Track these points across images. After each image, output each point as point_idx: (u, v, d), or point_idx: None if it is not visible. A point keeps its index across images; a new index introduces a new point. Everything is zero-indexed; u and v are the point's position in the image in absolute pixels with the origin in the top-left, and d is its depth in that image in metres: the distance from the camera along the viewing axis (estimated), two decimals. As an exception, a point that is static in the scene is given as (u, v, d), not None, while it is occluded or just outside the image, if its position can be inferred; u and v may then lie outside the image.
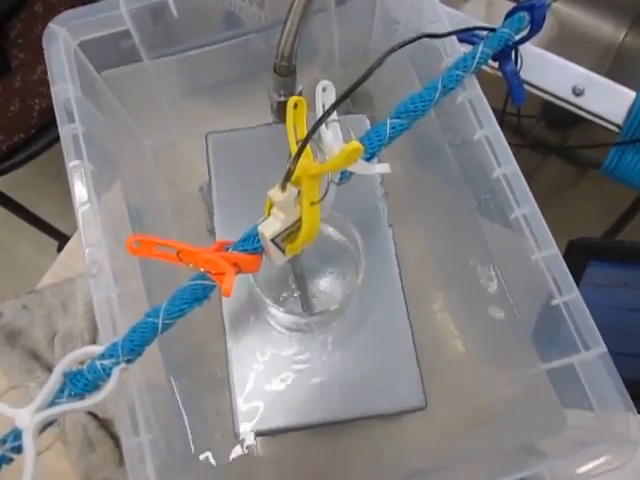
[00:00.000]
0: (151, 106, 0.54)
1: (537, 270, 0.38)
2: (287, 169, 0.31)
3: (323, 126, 0.35)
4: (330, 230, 0.42)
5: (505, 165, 0.38)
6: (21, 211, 1.01)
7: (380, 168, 0.32)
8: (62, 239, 1.08)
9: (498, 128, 0.39)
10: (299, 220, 0.34)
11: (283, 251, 0.35)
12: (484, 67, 0.42)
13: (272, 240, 0.33)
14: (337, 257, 0.43)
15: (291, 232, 0.34)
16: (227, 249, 0.35)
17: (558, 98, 0.58)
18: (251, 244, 0.35)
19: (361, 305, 0.45)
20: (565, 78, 0.57)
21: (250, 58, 0.52)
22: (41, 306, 0.60)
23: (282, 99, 0.50)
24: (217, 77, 0.55)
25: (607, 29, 0.92)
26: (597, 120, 0.57)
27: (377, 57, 0.35)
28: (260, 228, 0.33)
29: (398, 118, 0.38)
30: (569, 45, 0.88)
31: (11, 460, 0.30)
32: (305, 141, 0.30)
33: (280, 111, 0.51)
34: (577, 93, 0.57)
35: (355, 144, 0.29)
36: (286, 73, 0.48)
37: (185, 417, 0.43)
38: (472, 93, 0.40)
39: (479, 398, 0.51)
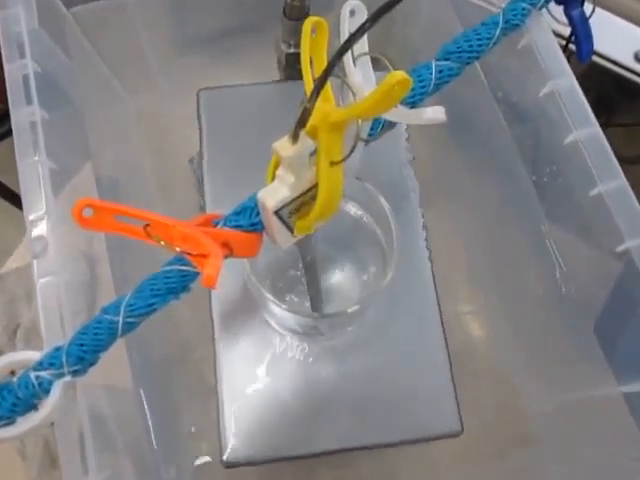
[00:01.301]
0: (135, 58, 0.45)
1: (613, 267, 0.29)
2: (301, 111, 0.22)
3: (350, 64, 0.26)
4: (351, 207, 0.33)
5: (584, 126, 0.29)
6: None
7: (432, 113, 0.23)
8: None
9: (574, 80, 0.30)
10: (314, 187, 0.25)
11: (291, 230, 0.26)
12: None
13: (276, 213, 0.24)
14: (359, 243, 0.34)
15: (303, 203, 0.25)
16: (216, 224, 0.26)
17: (618, 65, 0.49)
18: (248, 218, 0.26)
19: (384, 307, 0.36)
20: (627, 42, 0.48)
21: (255, 2, 0.43)
22: (3, 294, 0.52)
23: (292, 50, 0.41)
24: (216, 26, 0.46)
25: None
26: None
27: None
28: (261, 195, 0.24)
29: (447, 60, 0.28)
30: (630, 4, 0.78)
31: None
32: (327, 71, 0.21)
33: (290, 66, 0.42)
34: (640, 59, 0.48)
35: (401, 74, 0.20)
36: (298, 16, 0.39)
37: (155, 441, 0.34)
38: (539, 35, 0.31)
39: (521, 418, 0.42)
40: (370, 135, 0.27)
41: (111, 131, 0.44)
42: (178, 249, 0.23)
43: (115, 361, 0.32)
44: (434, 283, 0.37)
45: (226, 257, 0.24)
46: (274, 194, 0.24)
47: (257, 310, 0.36)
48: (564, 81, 0.30)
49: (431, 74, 0.28)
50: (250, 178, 0.26)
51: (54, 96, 0.32)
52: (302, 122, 0.22)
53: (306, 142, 0.23)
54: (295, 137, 0.22)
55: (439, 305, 0.36)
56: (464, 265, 0.46)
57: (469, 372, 0.43)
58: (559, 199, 0.32)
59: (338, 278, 0.35)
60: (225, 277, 0.38)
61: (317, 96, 0.21)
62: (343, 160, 0.24)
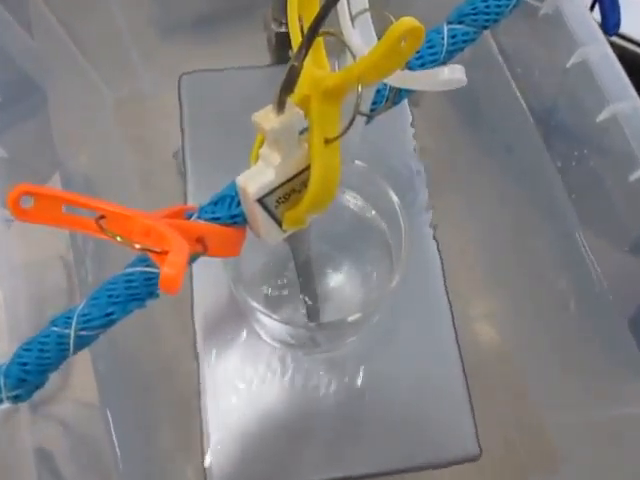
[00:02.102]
0: (112, 43, 0.41)
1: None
2: (287, 70, 0.18)
3: (347, 22, 0.22)
4: (351, 198, 0.28)
5: (620, 99, 0.25)
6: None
7: (450, 72, 0.19)
8: None
9: (608, 47, 0.25)
10: (305, 170, 0.20)
11: (279, 222, 0.22)
12: None
13: (260, 201, 0.20)
14: (361, 241, 0.30)
15: (292, 190, 0.21)
16: (189, 217, 0.22)
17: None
18: (227, 209, 0.21)
19: (390, 314, 0.31)
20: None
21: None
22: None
23: (283, 29, 0.37)
24: (201, 8, 0.42)
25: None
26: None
27: None
28: (240, 180, 0.20)
29: (460, 24, 0.24)
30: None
31: None
32: (317, 21, 0.17)
33: (281, 47, 0.38)
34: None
35: (410, 21, 0.16)
36: (290, -11, 0.34)
37: (122, 467, 0.30)
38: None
39: (544, 438, 0.38)
40: (372, 109, 0.22)
41: (84, 124, 0.39)
42: (138, 245, 0.18)
43: (80, 382, 0.27)
44: (445, 288, 0.33)
45: (198, 255, 0.20)
46: (257, 178, 0.20)
47: (245, 320, 0.32)
48: (596, 48, 0.26)
49: (442, 39, 0.24)
50: (236, 170, 0.22)
51: (9, 78, 0.28)
52: (289, 85, 0.18)
53: (294, 111, 0.19)
54: (281, 105, 0.18)
55: (452, 314, 0.32)
56: (476, 266, 0.42)
57: (483, 386, 0.39)
58: (591, 187, 0.28)
59: (337, 282, 0.31)
60: (208, 283, 0.33)
61: (307, 50, 0.17)
62: (340, 136, 0.20)
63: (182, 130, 0.35)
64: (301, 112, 0.19)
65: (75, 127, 0.38)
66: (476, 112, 0.37)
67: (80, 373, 0.35)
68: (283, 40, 0.37)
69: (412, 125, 0.34)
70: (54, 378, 0.21)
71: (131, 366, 0.34)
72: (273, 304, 0.30)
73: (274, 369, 0.31)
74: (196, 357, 0.33)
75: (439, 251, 0.34)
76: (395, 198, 0.25)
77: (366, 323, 0.30)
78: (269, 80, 0.37)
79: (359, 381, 0.30)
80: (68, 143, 0.36)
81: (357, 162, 0.25)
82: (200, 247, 0.20)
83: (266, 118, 0.18)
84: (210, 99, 0.36)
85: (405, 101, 0.27)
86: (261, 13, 0.38)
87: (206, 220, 0.21)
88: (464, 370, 0.32)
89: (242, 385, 0.32)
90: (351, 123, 0.19)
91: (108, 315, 0.20)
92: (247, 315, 0.31)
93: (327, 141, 0.20)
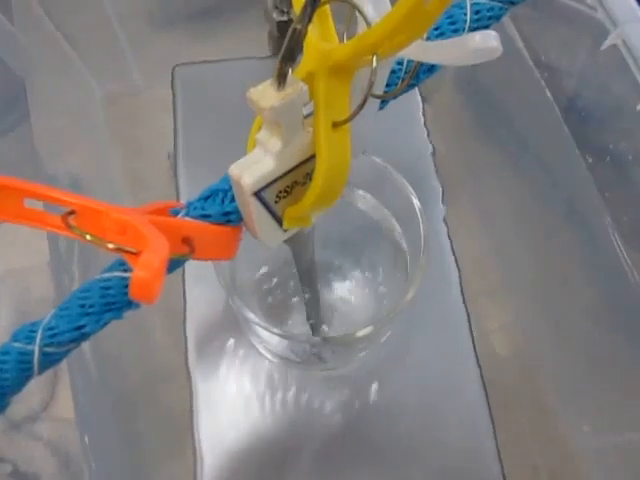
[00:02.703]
0: (102, 35, 0.38)
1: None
2: (289, 36, 0.15)
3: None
4: (362, 196, 0.25)
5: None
6: None
7: (481, 40, 0.16)
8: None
9: (650, 27, 0.23)
10: (311, 158, 0.18)
11: (279, 221, 0.19)
12: None
13: (257, 195, 0.17)
14: (372, 245, 0.27)
15: (294, 182, 0.18)
16: (175, 214, 0.19)
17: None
18: (219, 205, 0.18)
19: (404, 327, 0.28)
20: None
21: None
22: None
23: (284, 18, 0.34)
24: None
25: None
26: None
27: None
28: (234, 169, 0.17)
29: (486, -2, 0.21)
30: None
31: None
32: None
33: (282, 38, 0.35)
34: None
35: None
36: (292, -27, 0.32)
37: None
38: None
39: (576, 466, 0.34)
40: (386, 91, 0.20)
41: (72, 121, 0.37)
42: (111, 245, 0.15)
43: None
44: (464, 300, 0.30)
45: (184, 258, 0.17)
46: (253, 167, 0.17)
47: (242, 333, 0.29)
48: (637, 28, 0.23)
49: (465, 15, 0.21)
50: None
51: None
52: (291, 53, 0.15)
53: (297, 86, 0.16)
54: (281, 78, 0.15)
55: (471, 328, 0.29)
56: (492, 273, 0.39)
57: (505, 407, 0.35)
58: (627, 184, 0.25)
59: (345, 291, 0.28)
60: (203, 292, 0.30)
61: (313, 9, 0.14)
62: (350, 119, 0.17)
63: (175, 125, 0.32)
64: (305, 87, 0.16)
65: (60, 125, 0.35)
66: (492, 107, 0.34)
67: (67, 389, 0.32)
68: (285, 30, 0.34)
69: (423, 113, 0.31)
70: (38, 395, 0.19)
71: (118, 382, 0.31)
72: (273, 316, 0.27)
73: (274, 387, 0.28)
74: (188, 373, 0.29)
75: (455, 256, 0.31)
76: (415, 198, 0.22)
77: (377, 338, 0.27)
78: (270, 72, 0.34)
79: (369, 402, 0.27)
80: (52, 142, 0.34)
81: (369, 155, 0.22)
82: (186, 247, 0.17)
83: (264, 95, 0.15)
84: (206, 93, 0.33)
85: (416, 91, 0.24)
86: (261, 1, 0.35)
87: (195, 218, 0.18)
88: (486, 390, 0.28)
89: (239, 404, 0.29)
90: (364, 103, 0.17)
91: (79, 328, 0.17)
92: (244, 328, 0.28)
93: (335, 125, 0.17)
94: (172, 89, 0.34)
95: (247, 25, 0.39)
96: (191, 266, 0.31)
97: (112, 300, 0.18)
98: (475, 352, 0.29)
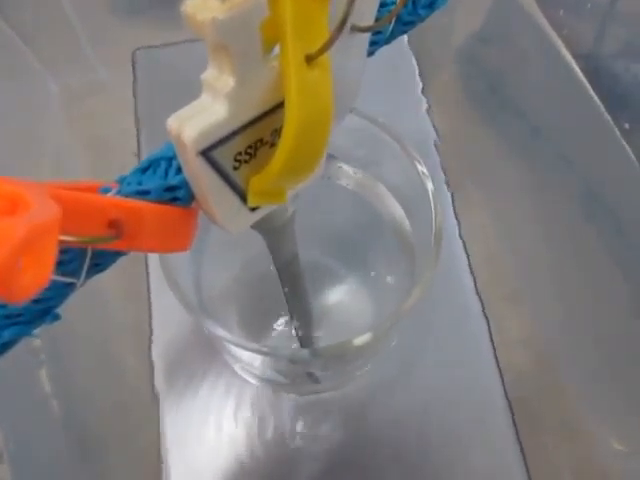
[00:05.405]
0: (56, 24, 0.34)
1: None
2: None
3: None
4: (350, 173, 0.21)
5: None
6: None
7: None
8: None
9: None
10: (279, 106, 0.13)
11: (242, 195, 0.14)
12: None
13: (205, 155, 0.13)
14: (368, 237, 0.22)
15: (259, 140, 0.13)
16: (105, 192, 0.14)
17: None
18: (161, 178, 0.14)
19: (411, 338, 0.23)
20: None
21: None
22: None
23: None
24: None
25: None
26: None
27: None
28: (172, 123, 0.12)
29: None
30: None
31: None
32: None
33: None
34: None
35: None
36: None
37: None
38: None
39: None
40: (377, 18, 0.15)
41: (24, 120, 0.32)
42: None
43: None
44: (482, 306, 0.25)
45: (105, 240, 0.12)
46: (199, 117, 0.12)
47: (216, 352, 0.24)
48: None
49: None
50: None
51: None
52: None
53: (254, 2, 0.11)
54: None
55: (492, 338, 0.24)
56: (506, 275, 0.34)
57: (531, 426, 0.31)
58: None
59: (338, 293, 0.23)
60: (171, 307, 0.26)
61: None
62: (327, 48, 0.12)
63: (136, 112, 0.28)
64: (262, 7, 0.12)
65: (12, 126, 0.31)
66: (507, 87, 0.29)
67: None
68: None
69: (424, 97, 0.27)
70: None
71: (78, 410, 0.26)
72: (251, 329, 0.23)
73: (261, 417, 0.24)
74: (155, 400, 0.25)
75: (467, 255, 0.27)
76: (427, 174, 0.17)
77: (379, 349, 0.22)
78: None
79: (373, 431, 0.22)
80: (6, 146, 0.29)
81: (361, 115, 0.17)
82: (113, 230, 0.12)
83: (205, 5, 0.11)
84: (169, 76, 0.29)
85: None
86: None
87: (128, 195, 0.14)
88: (511, 408, 0.24)
89: (212, 434, 0.24)
90: (344, 22, 0.12)
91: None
92: (217, 347, 0.23)
93: (309, 58, 0.12)
94: (133, 74, 0.29)
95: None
96: (158, 276, 0.26)
97: (14, 311, 0.13)
98: (498, 364, 0.24)
